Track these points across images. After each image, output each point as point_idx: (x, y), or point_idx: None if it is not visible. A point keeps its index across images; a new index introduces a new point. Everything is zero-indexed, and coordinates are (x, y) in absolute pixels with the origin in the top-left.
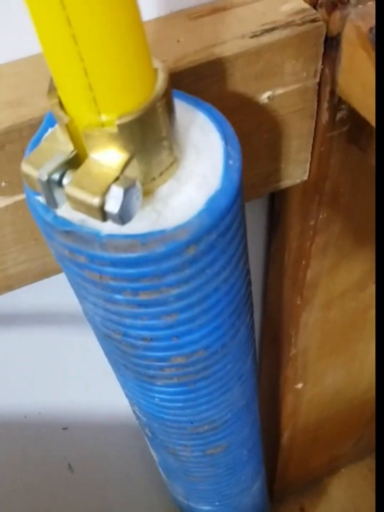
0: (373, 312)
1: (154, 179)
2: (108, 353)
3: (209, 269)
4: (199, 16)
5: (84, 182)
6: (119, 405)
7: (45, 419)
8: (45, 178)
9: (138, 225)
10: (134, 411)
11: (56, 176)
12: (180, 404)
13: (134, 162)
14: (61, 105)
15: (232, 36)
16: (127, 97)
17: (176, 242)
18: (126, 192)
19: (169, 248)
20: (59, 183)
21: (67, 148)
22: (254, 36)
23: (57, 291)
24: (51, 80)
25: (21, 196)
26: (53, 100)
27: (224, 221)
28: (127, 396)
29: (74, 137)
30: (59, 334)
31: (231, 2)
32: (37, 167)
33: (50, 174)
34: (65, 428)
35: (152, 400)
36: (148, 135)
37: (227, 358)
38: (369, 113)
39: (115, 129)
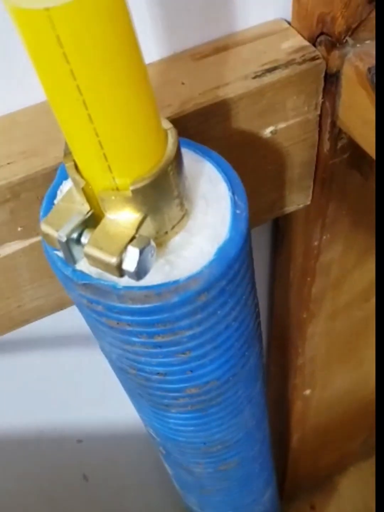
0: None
1: (166, 233)
2: (123, 382)
3: (220, 310)
4: (202, 57)
5: (101, 242)
6: (131, 417)
7: (61, 433)
8: (64, 239)
9: (153, 277)
10: (148, 431)
11: (74, 235)
12: (193, 428)
13: (148, 221)
14: (76, 168)
15: (235, 77)
16: (140, 164)
17: (189, 291)
18: (142, 251)
19: (182, 298)
20: (77, 241)
21: (83, 208)
22: (256, 76)
23: (72, 317)
24: (66, 144)
25: (35, 239)
26: (69, 163)
27: (233, 268)
28: (141, 418)
29: (90, 198)
30: (73, 353)
31: (233, 41)
32: (55, 227)
33: (68, 235)
34: (79, 441)
35: (166, 424)
36: (161, 196)
37: (238, 385)
38: (369, 147)
39: (129, 194)
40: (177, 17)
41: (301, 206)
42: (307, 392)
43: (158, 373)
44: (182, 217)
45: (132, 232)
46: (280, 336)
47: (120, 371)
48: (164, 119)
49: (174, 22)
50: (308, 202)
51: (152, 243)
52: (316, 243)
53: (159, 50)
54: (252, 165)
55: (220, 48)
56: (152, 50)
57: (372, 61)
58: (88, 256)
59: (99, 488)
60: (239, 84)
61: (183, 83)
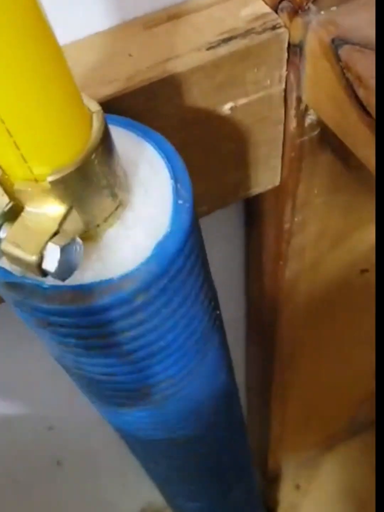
0: (359, 299)
1: (98, 225)
2: (72, 378)
3: (164, 309)
4: (153, 25)
5: (20, 238)
6: None
7: (31, 421)
8: None
9: (82, 275)
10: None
11: None
12: (152, 425)
13: (74, 213)
14: None
15: (188, 49)
16: (58, 152)
17: (123, 291)
18: (64, 249)
19: (116, 298)
20: None
21: (2, 200)
22: (210, 47)
23: None
24: None
25: None
26: None
27: (175, 264)
28: (99, 412)
29: (8, 189)
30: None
31: (187, 8)
32: None
33: None
34: (50, 428)
35: (123, 422)
36: (86, 187)
37: (198, 380)
38: (335, 125)
39: (48, 185)
40: None
41: (269, 187)
42: (287, 374)
43: (104, 374)
44: (116, 207)
45: (54, 227)
46: (257, 319)
47: (66, 369)
48: (92, 101)
49: None
50: (277, 183)
51: (77, 239)
52: (287, 226)
53: (107, 18)
54: (211, 145)
55: (173, 15)
56: (99, 18)
57: (336, 31)
58: (6, 254)
59: (73, 473)
60: (192, 57)
61: (130, 55)
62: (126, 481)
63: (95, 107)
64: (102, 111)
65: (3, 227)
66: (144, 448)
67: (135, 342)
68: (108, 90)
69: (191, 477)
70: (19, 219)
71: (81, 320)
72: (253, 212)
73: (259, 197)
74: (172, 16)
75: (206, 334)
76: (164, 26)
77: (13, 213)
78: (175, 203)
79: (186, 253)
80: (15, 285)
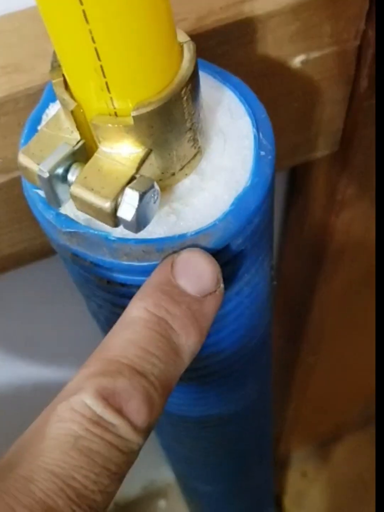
0: None
1: (174, 174)
2: None
3: (235, 274)
4: None
5: (92, 181)
6: None
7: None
8: (46, 174)
9: (154, 229)
10: None
11: (59, 171)
12: (189, 402)
13: (152, 157)
14: (66, 85)
15: None
16: (146, 83)
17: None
18: (143, 196)
19: None
20: (63, 178)
21: (72, 137)
22: None
23: (58, 268)
24: (54, 55)
25: (16, 173)
26: (56, 79)
27: (252, 223)
28: None
29: (81, 125)
30: (57, 310)
31: None
32: (37, 159)
33: (52, 170)
34: None
35: None
36: (170, 127)
37: (244, 358)
38: None
39: (130, 121)
40: None
41: (327, 152)
42: (311, 358)
43: None
44: (195, 155)
45: (131, 171)
46: (287, 299)
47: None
48: (180, 30)
49: None
50: (336, 148)
51: (156, 186)
52: (339, 197)
53: None
54: (276, 101)
55: None
56: None
57: None
58: (75, 198)
59: None
60: (270, 0)
61: None
62: (139, 461)
63: (184, 37)
64: (192, 42)
65: (73, 167)
66: (173, 427)
67: None
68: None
69: (214, 459)
70: (92, 160)
71: (146, 279)
72: (300, 178)
73: (310, 163)
74: None
75: (262, 309)
76: None
77: (85, 152)
78: (257, 155)
79: (264, 211)
80: (78, 236)
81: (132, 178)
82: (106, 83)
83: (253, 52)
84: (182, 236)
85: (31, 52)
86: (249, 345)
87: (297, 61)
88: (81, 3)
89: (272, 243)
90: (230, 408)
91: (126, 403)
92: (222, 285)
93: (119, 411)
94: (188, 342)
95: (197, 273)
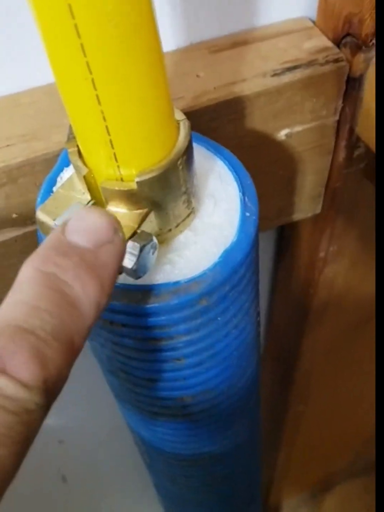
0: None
1: (170, 230)
2: (111, 385)
3: (220, 317)
4: (219, 50)
5: None
6: (115, 419)
7: (42, 433)
8: None
9: (152, 276)
10: (133, 437)
11: None
12: (181, 439)
13: (152, 216)
14: (79, 154)
15: (253, 74)
16: (148, 155)
17: (190, 294)
18: (143, 248)
19: (182, 300)
20: None
21: (84, 198)
22: (275, 74)
23: None
24: (70, 128)
25: (31, 228)
26: (72, 148)
27: (238, 273)
28: (127, 422)
29: (92, 187)
30: None
31: (253, 36)
32: (52, 215)
33: None
34: (61, 441)
35: (153, 433)
36: (168, 191)
37: (233, 397)
38: None
39: (134, 186)
40: (197, 7)
41: (310, 214)
42: (300, 406)
43: (149, 379)
44: (188, 214)
45: (134, 227)
46: (277, 348)
47: (110, 374)
48: (177, 109)
49: (193, 11)
50: (318, 211)
51: (155, 240)
52: (322, 255)
53: (176, 39)
54: (263, 168)
55: (239, 42)
56: (169, 39)
57: None
58: None
59: (77, 490)
60: (257, 82)
61: (198, 76)
62: (130, 499)
63: (181, 116)
64: (188, 120)
65: None
66: (166, 464)
67: (188, 348)
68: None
69: (205, 499)
70: None
71: (145, 320)
72: (287, 238)
73: (295, 224)
74: (237, 43)
75: (250, 350)
76: (229, 51)
77: None
78: (243, 215)
79: (248, 264)
80: None
81: (134, 233)
82: (114, 154)
83: (242, 126)
84: (176, 283)
85: (48, 123)
86: (238, 385)
87: (282, 134)
88: (95, 89)
89: (258, 291)
90: (220, 447)
91: (9, 361)
92: (120, 234)
93: (2, 371)
94: (86, 292)
95: (88, 227)
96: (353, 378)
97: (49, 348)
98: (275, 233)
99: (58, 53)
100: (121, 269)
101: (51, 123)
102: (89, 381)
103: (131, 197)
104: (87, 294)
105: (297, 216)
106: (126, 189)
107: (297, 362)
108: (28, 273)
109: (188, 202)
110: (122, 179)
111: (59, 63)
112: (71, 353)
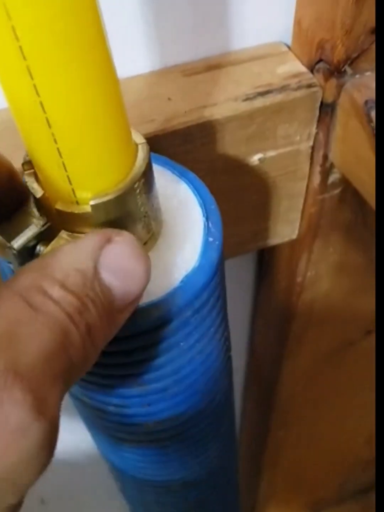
0: (361, 363)
1: None
2: (78, 410)
3: (183, 342)
4: (193, 73)
5: None
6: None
7: None
8: (14, 251)
9: None
10: (106, 462)
11: (26, 248)
12: (151, 465)
13: None
14: (36, 177)
15: (225, 98)
16: (103, 178)
17: (148, 319)
18: None
19: (140, 325)
20: (31, 255)
21: (40, 221)
22: (247, 99)
23: None
24: (26, 155)
25: None
26: (28, 171)
27: (200, 298)
28: (98, 448)
29: (47, 210)
30: None
31: (227, 60)
32: (7, 237)
33: (19, 247)
34: None
35: (122, 459)
36: (125, 215)
37: (203, 422)
38: (361, 185)
39: (89, 209)
40: (171, 30)
41: (286, 239)
42: (282, 431)
43: (113, 404)
44: (149, 239)
45: None
46: (257, 372)
47: (75, 399)
48: (137, 133)
49: (167, 34)
50: (294, 236)
51: None
52: (299, 279)
53: (149, 61)
54: (236, 193)
55: (212, 66)
56: (142, 61)
57: (370, 94)
58: None
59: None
60: (228, 106)
61: (169, 99)
62: None
63: (140, 139)
64: (147, 144)
65: (39, 246)
66: (138, 491)
67: (150, 373)
68: (146, 129)
69: None
70: (55, 240)
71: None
72: (266, 263)
73: (274, 248)
74: (211, 66)
75: (218, 375)
76: (203, 75)
77: (49, 233)
78: (205, 240)
79: (211, 289)
80: None
81: None
82: (68, 176)
83: (214, 150)
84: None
85: (13, 144)
86: (206, 411)
87: (254, 159)
88: (44, 112)
89: (225, 316)
90: (193, 473)
91: None
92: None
93: None
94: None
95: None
96: (335, 402)
97: None
98: (255, 258)
99: (5, 76)
100: None
101: (17, 144)
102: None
103: (86, 220)
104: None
105: (273, 240)
106: (81, 212)
107: (277, 387)
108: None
109: (148, 227)
110: (77, 202)
111: (7, 86)
112: None
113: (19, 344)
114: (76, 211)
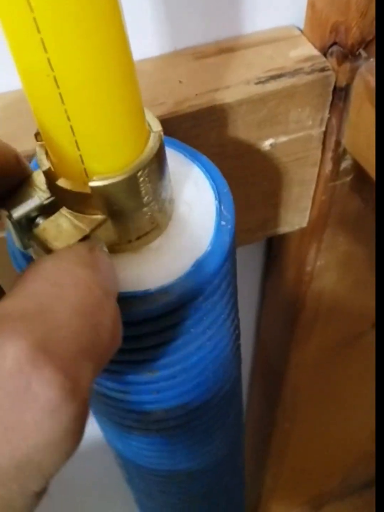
0: (367, 356)
1: (130, 241)
2: None
3: (193, 329)
4: (204, 56)
5: (50, 233)
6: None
7: None
8: (13, 219)
9: (121, 284)
10: (111, 449)
11: (24, 219)
12: (157, 454)
13: (108, 224)
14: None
15: (237, 81)
16: (109, 160)
17: (159, 304)
18: None
19: (151, 310)
20: (28, 227)
21: (44, 194)
22: (259, 82)
23: None
24: (37, 132)
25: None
26: (40, 142)
27: (211, 284)
28: (104, 435)
29: (51, 185)
30: None
31: (239, 43)
32: (11, 208)
33: (19, 217)
34: None
35: (128, 446)
36: (126, 203)
37: (210, 412)
38: (373, 171)
39: (88, 189)
40: (182, 12)
41: (296, 227)
42: (287, 424)
43: (121, 391)
44: (152, 229)
45: (85, 230)
46: (264, 363)
47: None
48: (155, 120)
49: (178, 16)
50: (304, 224)
51: (104, 247)
52: (309, 269)
53: (160, 44)
54: (247, 179)
55: (224, 49)
56: (153, 44)
57: None
58: (32, 245)
59: (61, 504)
60: (240, 89)
61: (180, 82)
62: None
63: (157, 127)
64: (161, 132)
65: (38, 219)
66: (142, 479)
67: (160, 360)
68: (156, 111)
69: None
70: (55, 215)
71: None
72: (275, 251)
73: (283, 236)
74: (223, 49)
75: (227, 364)
76: (214, 58)
77: (52, 208)
78: (218, 224)
79: (222, 275)
80: None
81: (85, 237)
82: (80, 155)
83: (225, 135)
84: (145, 292)
85: (24, 125)
86: (214, 400)
87: (266, 144)
88: (58, 87)
89: (235, 304)
90: (198, 463)
91: None
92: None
93: None
94: None
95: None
96: (342, 395)
97: None
98: (263, 246)
99: (19, 51)
100: None
101: (28, 125)
102: None
103: (85, 201)
104: None
105: (283, 229)
106: (79, 191)
107: (284, 378)
108: None
109: (152, 216)
110: (84, 182)
111: (20, 60)
112: None
113: (49, 322)
114: (75, 189)
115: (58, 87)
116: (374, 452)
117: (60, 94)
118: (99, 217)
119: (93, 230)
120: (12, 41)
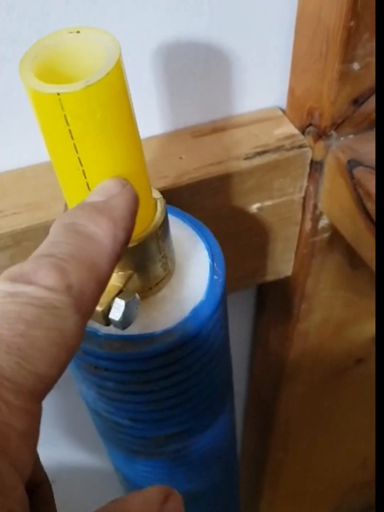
0: (353, 389)
1: (150, 288)
2: (96, 424)
3: (193, 365)
4: (201, 135)
5: None
6: (104, 459)
7: None
8: None
9: (132, 328)
10: (117, 475)
11: None
12: (159, 477)
13: (134, 277)
14: None
15: (228, 157)
16: None
17: (163, 344)
18: (128, 303)
19: (156, 349)
20: None
21: None
22: (247, 158)
23: None
24: (66, 205)
25: None
26: None
27: (206, 327)
28: (111, 461)
29: None
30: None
31: (230, 123)
32: None
33: None
34: (52, 481)
35: (134, 470)
36: (147, 257)
37: (207, 437)
38: (345, 231)
39: None
40: (181, 97)
41: (282, 276)
42: (280, 454)
43: (129, 418)
44: (166, 276)
45: (119, 286)
46: (256, 397)
47: (95, 414)
48: (155, 190)
49: (178, 101)
50: (289, 274)
51: (137, 296)
52: (294, 311)
53: (162, 125)
54: (238, 236)
55: (218, 128)
56: (156, 124)
57: (352, 154)
58: None
59: None
60: (231, 164)
61: (181, 158)
62: None
63: (157, 194)
64: (163, 198)
65: None
66: None
67: (164, 391)
68: (160, 183)
69: None
70: None
71: (125, 366)
72: (265, 296)
73: (271, 283)
74: (216, 129)
75: (223, 395)
76: (209, 136)
77: None
78: (211, 278)
79: (216, 319)
80: None
81: (120, 291)
82: None
83: (218, 201)
84: (151, 334)
85: (49, 194)
86: (210, 427)
87: (254, 208)
88: (85, 177)
89: (227, 343)
90: (196, 486)
91: (34, 275)
92: (129, 186)
93: (28, 282)
94: (100, 227)
95: (99, 187)
96: (331, 425)
97: (66, 264)
98: (254, 292)
99: (55, 150)
100: (109, 321)
101: (52, 195)
102: (80, 423)
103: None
104: (101, 228)
105: (270, 277)
106: None
107: (275, 411)
108: (51, 228)
109: (165, 265)
110: None
111: (56, 158)
112: (93, 271)
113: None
114: None
115: (85, 178)
116: (365, 481)
117: (87, 183)
118: (127, 272)
119: (125, 285)
120: (50, 145)
